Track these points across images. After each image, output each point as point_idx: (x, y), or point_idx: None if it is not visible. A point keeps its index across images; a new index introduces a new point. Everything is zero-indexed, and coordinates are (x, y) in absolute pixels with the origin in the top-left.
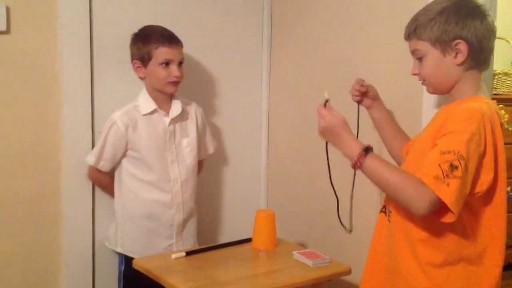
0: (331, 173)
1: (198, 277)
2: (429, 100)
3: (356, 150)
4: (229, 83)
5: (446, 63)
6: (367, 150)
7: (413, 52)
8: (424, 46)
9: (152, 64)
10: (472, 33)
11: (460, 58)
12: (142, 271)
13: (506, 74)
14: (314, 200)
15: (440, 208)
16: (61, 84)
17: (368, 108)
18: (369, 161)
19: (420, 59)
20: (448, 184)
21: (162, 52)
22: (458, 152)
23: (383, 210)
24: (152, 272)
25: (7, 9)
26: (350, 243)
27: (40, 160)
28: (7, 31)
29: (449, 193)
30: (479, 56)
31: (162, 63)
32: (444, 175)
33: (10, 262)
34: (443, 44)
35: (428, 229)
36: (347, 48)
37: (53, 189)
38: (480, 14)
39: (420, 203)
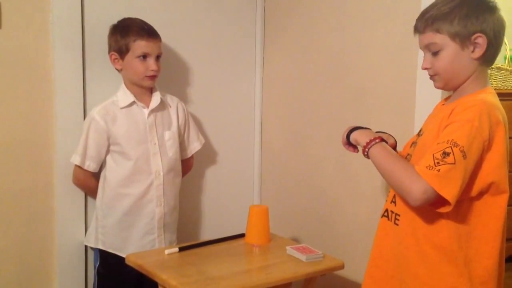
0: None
1: (191, 272)
2: (422, 95)
3: (367, 139)
4: (222, 78)
5: (463, 57)
6: (377, 140)
7: (427, 46)
8: (442, 40)
9: (130, 57)
10: (491, 27)
11: (478, 52)
12: (134, 266)
13: (499, 68)
14: (308, 195)
15: (438, 199)
16: (53, 79)
17: None
18: (375, 148)
19: (434, 53)
20: (438, 170)
21: (140, 45)
22: (452, 140)
23: (385, 214)
24: (144, 267)
25: None
26: (343, 238)
27: (32, 156)
28: None
29: (437, 178)
30: (494, 50)
31: (139, 56)
32: (435, 163)
33: (2, 257)
34: (463, 38)
35: (439, 232)
36: (340, 43)
37: (45, 184)
38: (496, 9)
39: (413, 192)
